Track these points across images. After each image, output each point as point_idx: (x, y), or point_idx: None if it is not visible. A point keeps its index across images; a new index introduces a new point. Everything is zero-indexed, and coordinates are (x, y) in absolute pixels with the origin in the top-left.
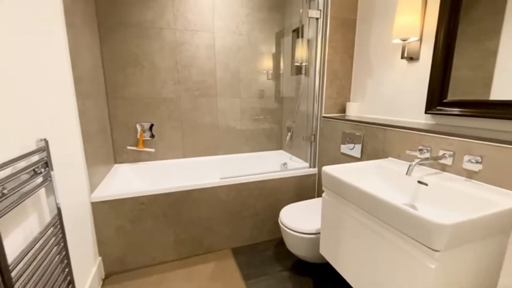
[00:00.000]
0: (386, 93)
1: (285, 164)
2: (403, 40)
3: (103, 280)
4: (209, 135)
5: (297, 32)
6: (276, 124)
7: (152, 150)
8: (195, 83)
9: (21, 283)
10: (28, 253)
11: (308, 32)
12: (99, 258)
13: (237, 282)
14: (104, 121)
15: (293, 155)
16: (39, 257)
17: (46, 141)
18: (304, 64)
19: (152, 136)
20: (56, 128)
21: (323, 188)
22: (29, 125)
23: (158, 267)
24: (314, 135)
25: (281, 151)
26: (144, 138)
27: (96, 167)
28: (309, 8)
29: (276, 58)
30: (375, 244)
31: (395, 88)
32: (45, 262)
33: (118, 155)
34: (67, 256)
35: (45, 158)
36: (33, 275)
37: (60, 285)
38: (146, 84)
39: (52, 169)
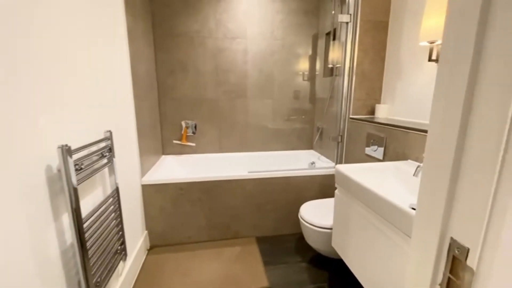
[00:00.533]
0: (415, 95)
1: (313, 163)
2: (431, 43)
3: (148, 251)
4: (243, 133)
5: (330, 35)
6: (307, 124)
7: (193, 144)
8: (232, 86)
9: (89, 234)
10: (94, 213)
11: (340, 35)
12: (146, 232)
13: (257, 266)
14: (155, 118)
15: (322, 155)
16: (101, 218)
17: (111, 132)
18: (337, 65)
19: (194, 132)
20: (118, 122)
21: (336, 185)
22: (99, 119)
23: (192, 245)
24: (341, 136)
25: (311, 151)
26: (187, 134)
27: (147, 156)
28: (340, 13)
29: (312, 59)
30: (375, 237)
31: (424, 90)
32: (105, 223)
33: (166, 148)
34: (121, 223)
35: (109, 145)
36: (96, 230)
37: (115, 244)
38: (190, 86)
39: (114, 155)
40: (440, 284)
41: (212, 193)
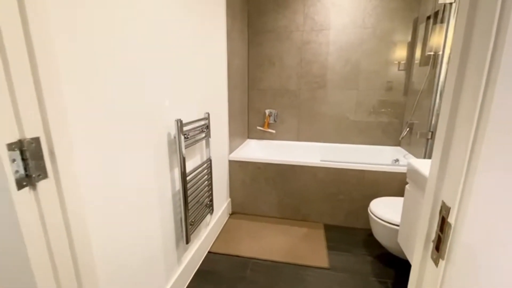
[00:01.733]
0: None
1: (396, 161)
2: None
3: (229, 215)
4: (321, 123)
5: (430, 19)
6: (396, 118)
7: (273, 131)
8: (315, 77)
9: (190, 185)
10: (194, 171)
11: (442, 18)
12: (229, 199)
13: (321, 248)
14: (244, 106)
15: (410, 153)
16: (198, 177)
17: (208, 114)
18: (438, 53)
19: (275, 120)
20: (215, 107)
21: (407, 180)
22: (202, 103)
23: (264, 218)
24: (432, 132)
25: (398, 148)
26: (269, 121)
27: (234, 138)
28: None
29: (411, 47)
30: None
31: None
32: (200, 181)
33: (250, 132)
34: (211, 185)
35: (207, 124)
36: (194, 184)
37: (205, 199)
38: (275, 78)
39: (210, 132)
40: (432, 241)
41: (285, 176)
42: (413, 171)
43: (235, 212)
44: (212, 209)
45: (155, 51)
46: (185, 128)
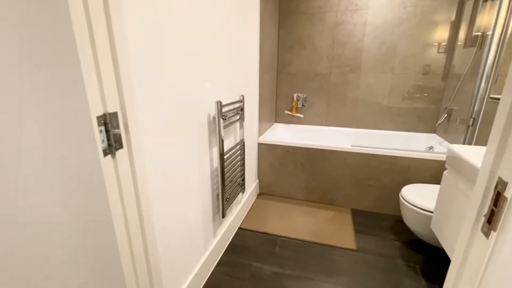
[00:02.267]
0: None
1: (431, 148)
2: None
3: (257, 195)
4: (352, 108)
5: None
6: (433, 104)
7: (301, 115)
8: (347, 60)
9: (226, 164)
10: (230, 151)
11: None
12: (257, 180)
13: (348, 231)
14: (272, 89)
15: (446, 140)
16: (232, 157)
17: (243, 96)
18: (487, 33)
19: (303, 104)
20: (247, 90)
21: (446, 166)
22: (236, 86)
23: (291, 199)
24: (474, 118)
25: (433, 135)
26: (297, 106)
27: (263, 121)
28: None
29: (454, 27)
30: None
31: None
32: (234, 161)
33: (278, 116)
34: (244, 165)
35: (242, 106)
36: (229, 163)
37: (238, 178)
38: (305, 61)
39: (244, 114)
40: (484, 215)
41: (314, 160)
42: (455, 157)
43: (262, 193)
44: (244, 188)
45: (197, 35)
46: (223, 110)
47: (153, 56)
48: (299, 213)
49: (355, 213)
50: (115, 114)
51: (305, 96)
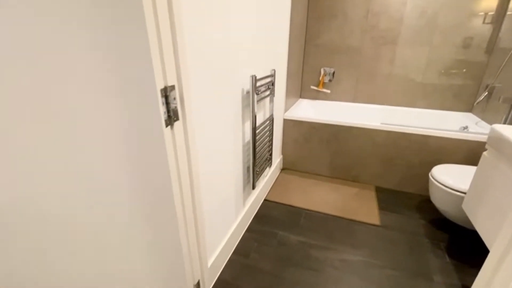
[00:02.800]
0: None
1: (465, 128)
2: None
3: (281, 170)
4: (383, 84)
5: None
6: (472, 81)
7: (328, 91)
8: (381, 31)
9: (257, 138)
10: (261, 126)
11: None
12: (281, 156)
13: (372, 207)
14: (299, 63)
15: (483, 120)
16: (263, 132)
17: (275, 71)
18: None
19: (331, 79)
20: (276, 63)
21: (486, 146)
22: (268, 60)
23: (313, 175)
24: None
25: (468, 114)
26: (324, 81)
27: (289, 96)
28: None
29: None
30: None
31: None
32: (264, 137)
33: (303, 92)
34: (271, 140)
35: (273, 80)
36: (260, 138)
37: (266, 153)
38: (335, 33)
39: (274, 89)
40: None
41: (340, 137)
42: (499, 138)
43: (285, 168)
44: (271, 163)
45: (233, 5)
46: (256, 85)
47: (196, 31)
48: (323, 188)
49: (379, 190)
50: (173, 88)
51: (332, 70)
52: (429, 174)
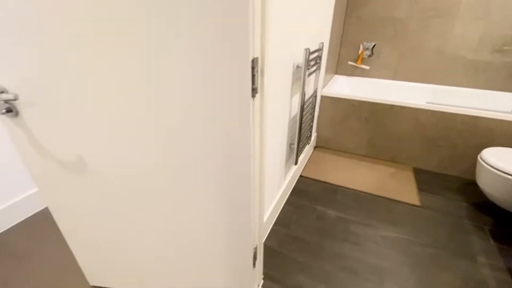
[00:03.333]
0: None
1: None
2: None
3: (314, 148)
4: (428, 60)
5: None
6: None
7: (367, 67)
8: (433, 2)
9: (304, 113)
10: (307, 102)
11: None
12: (315, 134)
13: (410, 188)
14: (338, 37)
15: None
16: (307, 108)
17: (323, 44)
18: None
19: (371, 55)
20: (322, 38)
21: None
22: (317, 33)
23: (348, 154)
24: None
25: None
26: (363, 56)
27: (327, 73)
28: None
29: None
30: None
31: None
32: (308, 113)
33: (339, 68)
34: (313, 119)
35: (321, 54)
36: (305, 114)
37: (308, 126)
38: (380, 3)
39: (320, 65)
40: None
41: (380, 115)
42: None
43: (319, 146)
44: (311, 139)
45: None
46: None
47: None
48: (358, 167)
49: (417, 171)
50: (257, 60)
51: (373, 45)
52: (478, 157)
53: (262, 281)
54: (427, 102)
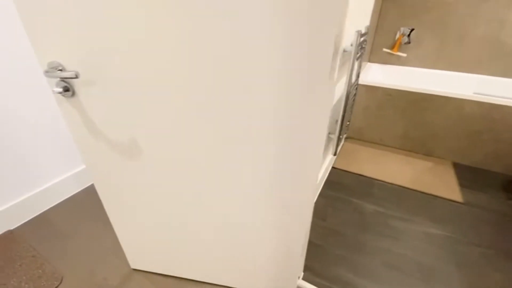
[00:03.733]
0: None
1: None
2: None
3: (345, 139)
4: (476, 48)
5: None
6: None
7: (404, 55)
8: None
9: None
10: (350, 88)
11: None
12: (348, 123)
13: (451, 183)
14: (374, 22)
15: None
16: (350, 96)
17: (368, 28)
18: None
19: (409, 42)
20: (363, 20)
21: None
22: (364, 14)
23: (381, 146)
24: None
25: None
26: (400, 43)
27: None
28: None
29: None
30: None
31: None
32: (351, 101)
33: (372, 55)
34: (352, 109)
35: (366, 39)
36: (350, 101)
37: (349, 114)
38: None
39: (365, 50)
40: None
41: (419, 106)
42: None
43: (350, 137)
44: (347, 130)
45: None
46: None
47: None
48: (393, 159)
49: (457, 167)
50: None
51: (411, 30)
52: None
53: (302, 273)
54: (474, 93)
